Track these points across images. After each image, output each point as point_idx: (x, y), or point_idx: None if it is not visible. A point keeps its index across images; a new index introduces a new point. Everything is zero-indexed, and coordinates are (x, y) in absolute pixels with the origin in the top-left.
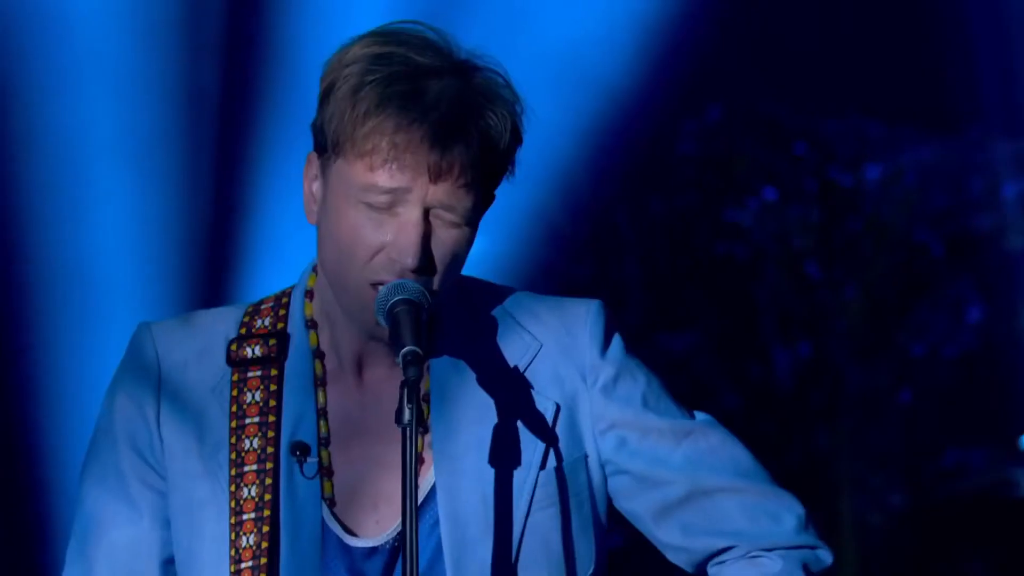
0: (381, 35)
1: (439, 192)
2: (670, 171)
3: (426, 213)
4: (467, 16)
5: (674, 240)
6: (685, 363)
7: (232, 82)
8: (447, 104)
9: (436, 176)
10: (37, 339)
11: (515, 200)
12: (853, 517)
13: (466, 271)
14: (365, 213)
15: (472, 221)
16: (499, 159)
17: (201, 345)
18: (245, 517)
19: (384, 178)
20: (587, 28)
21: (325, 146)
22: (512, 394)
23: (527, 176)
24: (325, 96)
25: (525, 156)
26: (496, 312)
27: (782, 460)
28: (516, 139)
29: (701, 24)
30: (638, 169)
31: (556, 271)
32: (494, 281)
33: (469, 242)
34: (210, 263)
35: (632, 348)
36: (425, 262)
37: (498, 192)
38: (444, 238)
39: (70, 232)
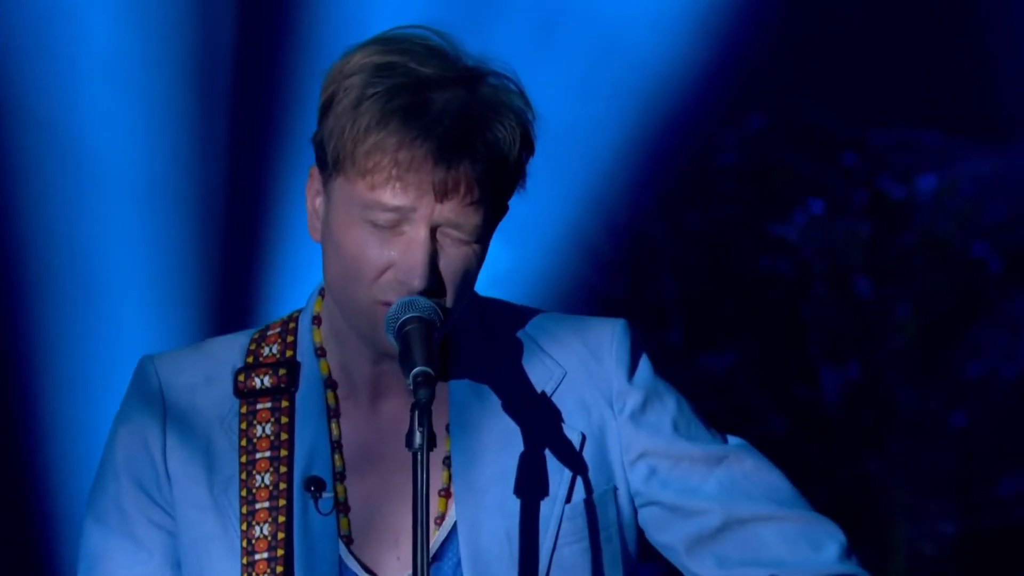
0: (383, 42)
1: (446, 210)
2: (710, 183)
3: (433, 231)
4: (498, 15)
5: (714, 256)
6: (727, 385)
7: (248, 88)
8: (451, 118)
9: (442, 195)
10: (44, 356)
11: (546, 213)
12: (906, 546)
13: (495, 287)
14: (370, 231)
15: (482, 237)
16: (508, 171)
17: (207, 375)
18: (257, 557)
19: (387, 196)
20: (621, 33)
21: (326, 162)
22: (537, 423)
23: (559, 188)
24: (325, 109)
25: (556, 167)
26: (517, 335)
27: (830, 486)
28: (526, 149)
29: (742, 28)
30: (676, 181)
31: (590, 288)
32: (524, 299)
33: (480, 259)
34: (226, 280)
35: (670, 369)
36: (434, 283)
37: (528, 205)
38: (453, 256)
39: (78, 248)
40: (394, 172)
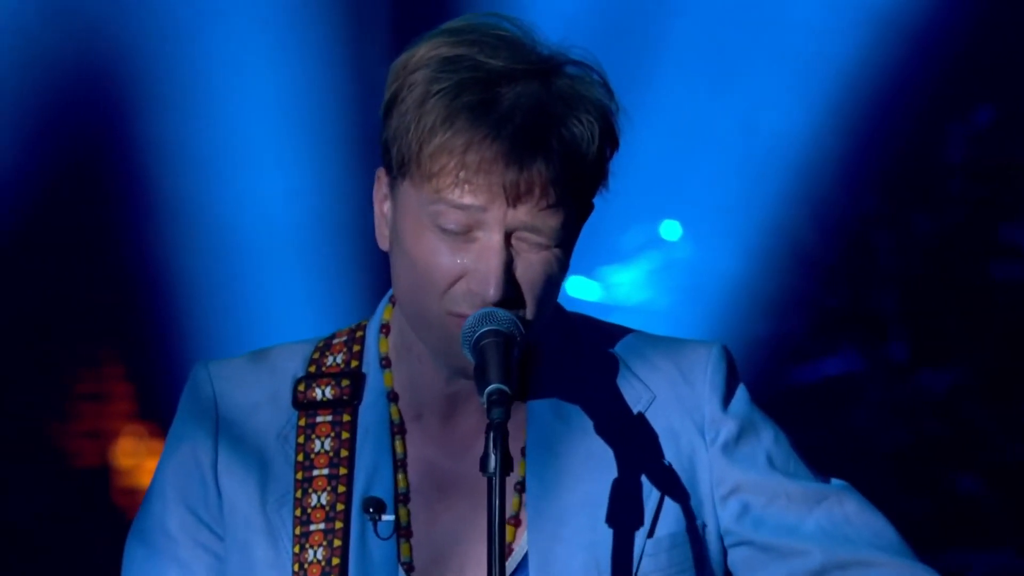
0: (451, 33)
1: (520, 214)
2: (935, 184)
3: (508, 237)
4: (697, 26)
5: (940, 263)
6: (951, 406)
7: None
8: (523, 115)
9: (515, 198)
10: (196, 349)
11: (756, 213)
12: None
13: (693, 291)
14: (440, 238)
15: (563, 241)
16: (587, 170)
17: (265, 385)
18: None
19: (455, 197)
20: (833, 14)
21: (392, 165)
22: (620, 451)
23: (769, 186)
24: (390, 107)
25: (767, 162)
26: (604, 355)
27: None
28: (609, 144)
29: (969, 10)
30: (898, 181)
31: (801, 298)
32: (725, 309)
33: (563, 265)
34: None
35: (890, 387)
36: (510, 293)
37: (738, 204)
38: (531, 262)
39: (229, 240)
40: (462, 175)
